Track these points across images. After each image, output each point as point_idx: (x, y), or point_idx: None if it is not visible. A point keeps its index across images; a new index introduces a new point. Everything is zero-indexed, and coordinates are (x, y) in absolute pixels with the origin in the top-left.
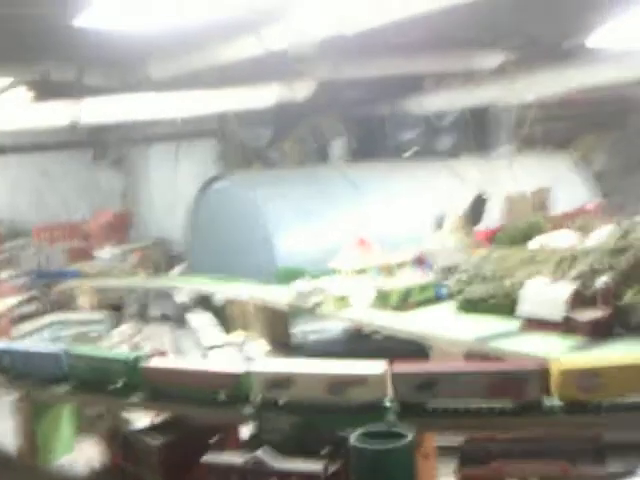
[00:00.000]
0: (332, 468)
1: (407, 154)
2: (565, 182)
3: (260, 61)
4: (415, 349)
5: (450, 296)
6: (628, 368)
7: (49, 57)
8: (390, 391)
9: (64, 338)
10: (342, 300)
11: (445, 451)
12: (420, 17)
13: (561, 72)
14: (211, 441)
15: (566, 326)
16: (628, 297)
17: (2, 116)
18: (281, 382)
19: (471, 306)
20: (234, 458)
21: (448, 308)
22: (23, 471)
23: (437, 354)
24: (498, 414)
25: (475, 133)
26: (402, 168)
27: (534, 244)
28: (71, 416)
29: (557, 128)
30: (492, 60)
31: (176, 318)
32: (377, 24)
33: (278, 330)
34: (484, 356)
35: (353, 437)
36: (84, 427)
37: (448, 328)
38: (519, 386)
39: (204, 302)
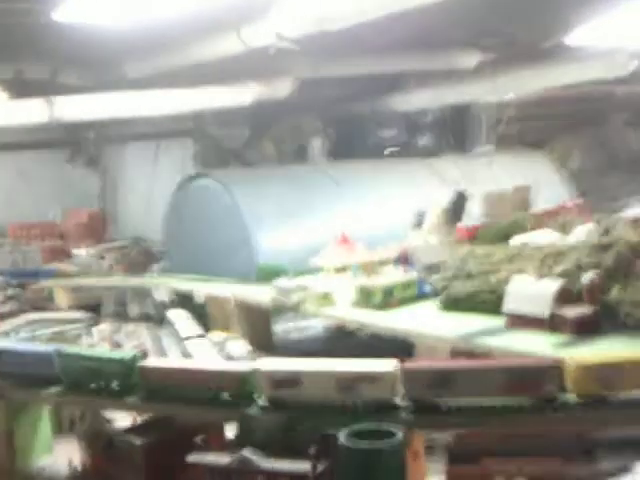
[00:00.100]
0: (320, 468)
1: (387, 152)
2: (543, 180)
3: (239, 59)
4: (399, 347)
5: (434, 293)
6: None
7: (23, 55)
8: (401, 389)
9: (41, 337)
10: (325, 298)
11: (434, 449)
12: (399, 16)
13: (540, 71)
14: (196, 441)
15: (552, 323)
16: (614, 293)
17: None
18: (288, 381)
19: (456, 303)
20: (219, 458)
21: (432, 305)
22: (1, 474)
23: (421, 352)
24: (515, 411)
25: (454, 132)
26: (382, 166)
27: (516, 241)
28: (50, 416)
29: (534, 127)
30: (471, 59)
31: (156, 317)
32: (357, 22)
33: (260, 329)
34: (469, 353)
35: (342, 436)
36: (63, 427)
37: (432, 325)
38: (537, 382)
39: (184, 301)
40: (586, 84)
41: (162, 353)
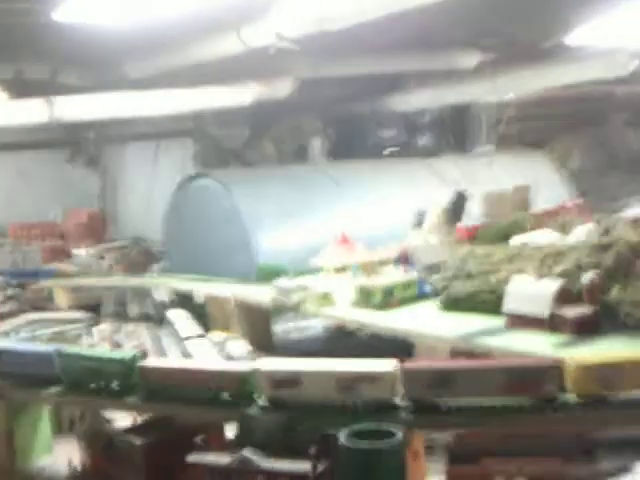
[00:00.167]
0: (320, 468)
1: (387, 152)
2: (543, 180)
3: (239, 59)
4: (399, 347)
5: (434, 293)
6: None
7: (23, 55)
8: (401, 389)
9: (41, 337)
10: (325, 298)
11: (434, 449)
12: (399, 16)
13: (540, 71)
14: (196, 441)
15: (552, 323)
16: (614, 293)
17: None
18: (288, 381)
19: (456, 303)
20: (219, 458)
21: (432, 305)
22: (1, 474)
23: (421, 352)
24: (515, 411)
25: (454, 132)
26: (382, 166)
27: (516, 242)
28: (50, 416)
29: (534, 127)
30: (471, 59)
31: (156, 317)
32: (357, 22)
33: (260, 329)
34: (469, 353)
35: (342, 436)
36: (63, 427)
37: (432, 325)
38: (537, 382)
39: (184, 301)
40: (586, 84)
41: (162, 353)
